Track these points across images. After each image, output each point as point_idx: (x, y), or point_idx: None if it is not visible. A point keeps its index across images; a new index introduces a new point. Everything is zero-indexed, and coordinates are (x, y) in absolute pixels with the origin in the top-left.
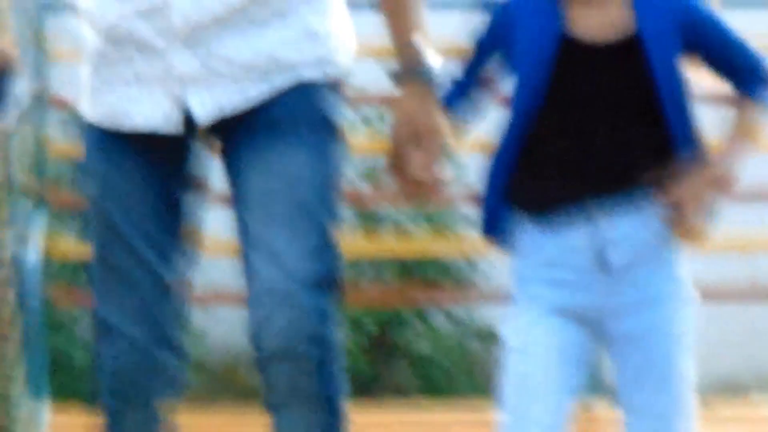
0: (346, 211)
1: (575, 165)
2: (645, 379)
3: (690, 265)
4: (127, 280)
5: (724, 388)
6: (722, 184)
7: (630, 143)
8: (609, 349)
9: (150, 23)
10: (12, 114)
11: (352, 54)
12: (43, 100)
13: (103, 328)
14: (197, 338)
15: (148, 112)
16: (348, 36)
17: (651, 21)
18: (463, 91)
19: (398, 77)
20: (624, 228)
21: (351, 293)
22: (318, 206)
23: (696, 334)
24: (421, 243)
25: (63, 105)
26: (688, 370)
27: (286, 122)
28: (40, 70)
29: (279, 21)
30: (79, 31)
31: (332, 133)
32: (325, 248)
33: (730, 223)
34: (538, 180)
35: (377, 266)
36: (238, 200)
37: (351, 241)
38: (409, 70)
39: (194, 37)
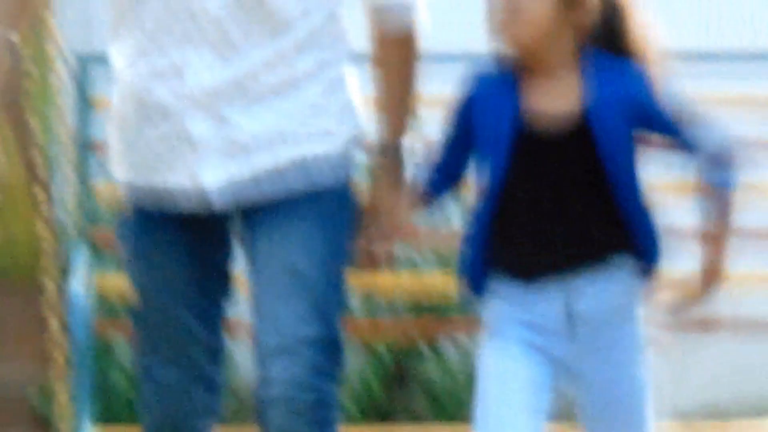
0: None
1: (543, 236)
2: (607, 418)
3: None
4: (165, 331)
5: (709, 415)
6: (715, 282)
7: (586, 217)
8: (574, 386)
9: (166, 83)
10: None
11: (361, 124)
12: (86, 145)
13: (146, 374)
14: (227, 364)
15: (175, 169)
16: (357, 106)
17: (600, 102)
18: (440, 179)
19: (374, 150)
20: (591, 291)
21: (369, 327)
22: (317, 276)
23: (684, 365)
24: (432, 280)
25: (104, 149)
26: (647, 411)
27: (294, 203)
28: (84, 117)
29: (288, 93)
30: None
31: (338, 209)
32: (323, 313)
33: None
34: (513, 248)
35: (393, 302)
36: (250, 272)
37: (369, 279)
38: (384, 146)
39: (208, 102)
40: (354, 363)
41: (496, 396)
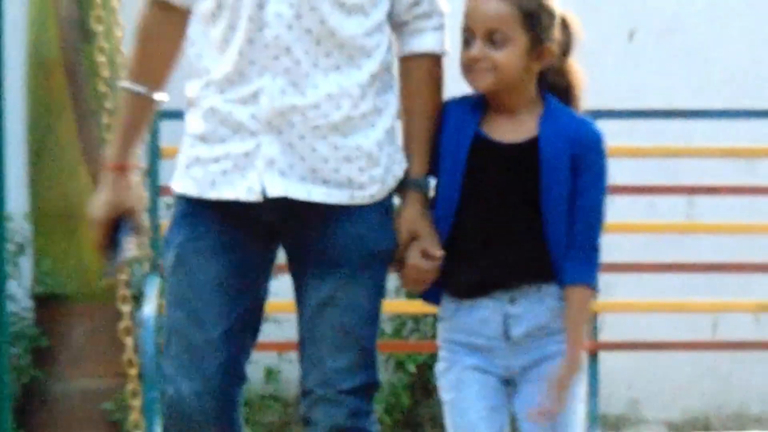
0: (393, 279)
1: (484, 261)
2: (540, 426)
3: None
4: (190, 340)
5: (694, 424)
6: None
7: (522, 239)
8: (515, 396)
9: (246, 107)
10: (119, 263)
11: (401, 173)
12: (156, 189)
13: (166, 382)
14: (273, 376)
15: (234, 184)
16: (401, 157)
17: (548, 136)
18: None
19: (399, 187)
20: (522, 307)
21: (395, 341)
22: (362, 330)
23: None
24: None
25: (170, 192)
26: (578, 411)
27: (343, 255)
28: (154, 165)
29: (348, 134)
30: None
31: (381, 263)
32: (367, 363)
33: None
34: (458, 268)
35: (416, 320)
36: (298, 307)
37: (396, 302)
38: (408, 182)
39: (278, 124)
40: (385, 377)
41: (458, 424)
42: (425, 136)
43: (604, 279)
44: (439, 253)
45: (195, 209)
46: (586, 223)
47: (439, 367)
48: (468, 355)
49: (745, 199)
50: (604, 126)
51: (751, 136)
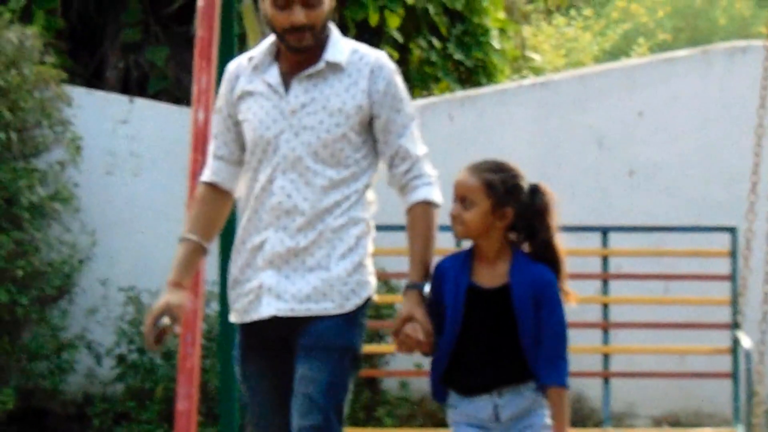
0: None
1: (478, 367)
2: None
3: None
4: (263, 421)
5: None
6: None
7: (506, 356)
8: None
9: (257, 252)
10: (155, 333)
11: (372, 292)
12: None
13: None
14: (403, 383)
15: (252, 311)
16: (371, 280)
17: (516, 282)
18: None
19: (405, 287)
20: (507, 399)
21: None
22: (324, 398)
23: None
24: None
25: None
26: None
27: (319, 348)
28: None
29: (328, 268)
30: None
31: (339, 353)
32: (326, 426)
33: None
34: (459, 374)
35: None
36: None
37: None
38: (411, 284)
39: (277, 263)
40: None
41: None
42: (418, 255)
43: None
44: (428, 329)
45: (244, 334)
46: (553, 340)
47: None
48: (470, 427)
49: None
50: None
51: None
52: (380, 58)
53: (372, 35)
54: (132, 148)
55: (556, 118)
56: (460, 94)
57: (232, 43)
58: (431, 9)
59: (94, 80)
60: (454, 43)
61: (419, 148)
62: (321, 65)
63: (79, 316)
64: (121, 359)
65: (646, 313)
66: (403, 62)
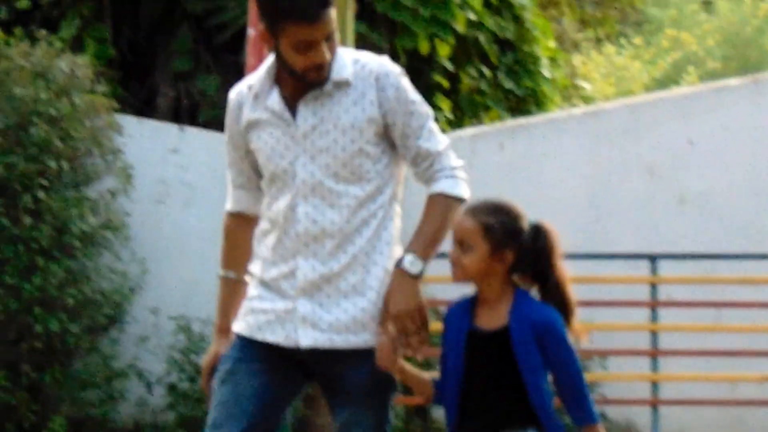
0: None
1: (482, 411)
2: None
3: None
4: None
5: None
6: None
7: (508, 399)
8: None
9: (287, 281)
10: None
11: None
12: None
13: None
14: None
15: (276, 332)
16: None
17: (516, 323)
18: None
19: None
20: None
21: None
22: None
23: None
24: None
25: None
26: None
27: (363, 394)
28: None
29: (362, 294)
30: None
31: (388, 395)
32: None
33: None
34: (466, 419)
35: None
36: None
37: None
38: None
39: (310, 290)
40: None
41: None
42: (421, 232)
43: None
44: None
45: (248, 342)
46: (568, 380)
47: None
48: None
49: None
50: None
51: None
52: (384, 64)
53: (422, 64)
54: (182, 177)
55: (606, 147)
56: (511, 123)
57: None
58: (482, 38)
59: (145, 109)
60: (505, 71)
61: (439, 144)
62: (329, 86)
63: (129, 344)
64: (171, 388)
65: (697, 340)
66: (453, 91)
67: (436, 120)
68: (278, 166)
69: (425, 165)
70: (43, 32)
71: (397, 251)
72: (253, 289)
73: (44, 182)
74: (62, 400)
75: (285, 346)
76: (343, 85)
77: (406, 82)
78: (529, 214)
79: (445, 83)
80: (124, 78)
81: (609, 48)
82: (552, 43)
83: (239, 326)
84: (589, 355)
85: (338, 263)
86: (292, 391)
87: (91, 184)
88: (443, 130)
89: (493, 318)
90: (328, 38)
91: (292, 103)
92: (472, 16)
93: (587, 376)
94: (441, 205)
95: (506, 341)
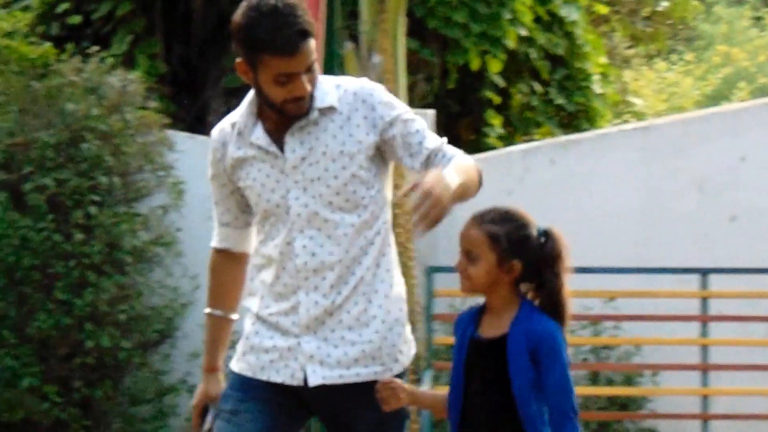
0: None
1: (477, 423)
2: None
3: None
4: None
5: None
6: None
7: (497, 411)
8: None
9: (288, 317)
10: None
11: (413, 344)
12: (430, 317)
13: None
14: None
15: (280, 372)
16: (409, 336)
17: (514, 333)
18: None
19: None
20: None
21: None
22: None
23: None
24: None
25: (442, 319)
26: None
27: (369, 427)
28: (429, 295)
29: (368, 325)
30: None
31: (400, 426)
32: None
33: None
34: (465, 426)
35: None
36: None
37: None
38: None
39: (314, 326)
40: None
41: None
42: (456, 170)
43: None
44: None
45: (249, 381)
46: (555, 396)
47: None
48: None
49: None
50: None
51: None
52: (365, 85)
53: (473, 80)
54: None
55: (657, 163)
56: (562, 138)
57: None
58: (533, 54)
59: (197, 125)
60: (556, 87)
61: (437, 138)
62: (314, 114)
63: (181, 360)
64: None
65: (747, 355)
66: (504, 107)
67: (488, 136)
68: (270, 202)
69: (437, 161)
70: (94, 48)
71: (397, 276)
72: (249, 326)
73: (96, 198)
74: (113, 415)
75: (290, 385)
76: (328, 111)
77: (390, 96)
78: (580, 228)
79: (497, 99)
80: (176, 94)
81: (660, 64)
82: (603, 59)
83: (239, 366)
84: (640, 370)
85: (340, 296)
86: (297, 429)
87: (142, 199)
88: (494, 147)
89: (496, 327)
90: (309, 70)
91: (277, 136)
92: (523, 32)
93: (637, 391)
94: (467, 162)
95: (503, 351)
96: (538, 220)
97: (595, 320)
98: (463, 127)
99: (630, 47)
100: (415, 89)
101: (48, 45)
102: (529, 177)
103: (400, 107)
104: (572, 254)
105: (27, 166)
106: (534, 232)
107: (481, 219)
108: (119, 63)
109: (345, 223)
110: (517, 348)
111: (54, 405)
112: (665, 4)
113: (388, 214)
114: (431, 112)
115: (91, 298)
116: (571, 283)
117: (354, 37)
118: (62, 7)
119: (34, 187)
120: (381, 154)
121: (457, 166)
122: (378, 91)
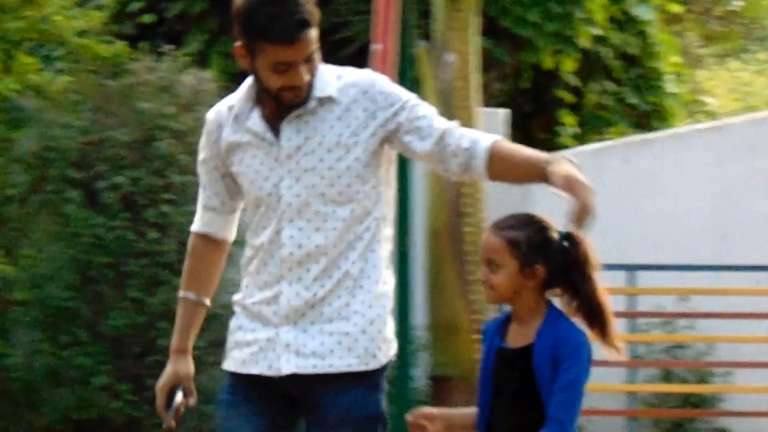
0: None
1: (505, 428)
2: None
3: None
4: None
5: None
6: None
7: (529, 423)
8: None
9: (270, 306)
10: (171, 413)
11: (393, 352)
12: None
13: None
14: None
15: (259, 363)
16: (392, 336)
17: (540, 342)
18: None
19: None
20: None
21: None
22: None
23: None
24: None
25: None
26: None
27: (347, 423)
28: None
29: (346, 318)
30: None
31: (369, 423)
32: None
33: None
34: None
35: None
36: None
37: None
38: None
39: (293, 317)
40: None
41: None
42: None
43: None
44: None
45: (239, 381)
46: (558, 400)
47: None
48: None
49: None
50: None
51: None
52: (366, 76)
53: (547, 79)
54: None
55: (730, 162)
56: (635, 137)
57: (408, 86)
58: (606, 53)
59: None
60: (629, 87)
61: (448, 122)
62: (312, 104)
63: None
64: None
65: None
66: (578, 106)
67: (560, 135)
68: (262, 189)
69: (453, 140)
70: (168, 47)
71: (387, 274)
72: (234, 320)
73: (169, 196)
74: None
75: (268, 375)
76: (327, 101)
77: (393, 85)
78: (653, 227)
79: (570, 98)
80: None
81: (733, 63)
82: (676, 59)
83: (227, 363)
84: (713, 367)
85: (323, 288)
86: (291, 428)
87: None
88: (567, 146)
89: (522, 336)
90: (308, 59)
91: (274, 123)
92: (597, 32)
93: (710, 389)
94: (509, 142)
95: (530, 361)
96: (611, 219)
97: (669, 318)
98: (536, 126)
99: (703, 46)
100: (488, 88)
101: (122, 44)
102: (602, 176)
103: (405, 95)
104: (645, 253)
105: (101, 164)
106: (555, 236)
107: (499, 226)
108: (193, 62)
109: (336, 216)
110: (543, 356)
111: (127, 403)
112: (738, 3)
113: (381, 210)
114: (504, 111)
115: (164, 296)
116: (644, 281)
117: (427, 36)
118: (135, 5)
119: (108, 185)
120: (383, 146)
121: (518, 147)
122: (380, 81)
